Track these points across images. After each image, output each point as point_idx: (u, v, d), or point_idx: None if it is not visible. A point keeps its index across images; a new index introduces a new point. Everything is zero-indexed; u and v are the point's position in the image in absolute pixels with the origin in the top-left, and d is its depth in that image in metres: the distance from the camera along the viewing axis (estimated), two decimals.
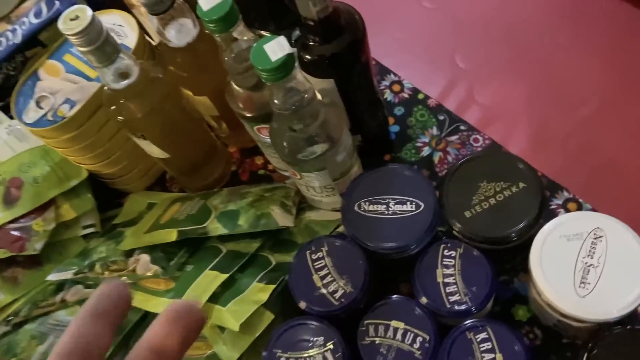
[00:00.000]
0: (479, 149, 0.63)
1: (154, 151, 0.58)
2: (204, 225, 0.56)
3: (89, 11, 0.45)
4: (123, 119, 0.54)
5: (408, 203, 0.51)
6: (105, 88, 0.54)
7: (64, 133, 0.57)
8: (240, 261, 0.54)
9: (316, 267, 0.50)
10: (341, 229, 0.57)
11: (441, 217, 0.51)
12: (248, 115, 0.54)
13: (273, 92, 0.45)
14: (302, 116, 0.46)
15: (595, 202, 0.58)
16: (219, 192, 0.63)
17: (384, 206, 0.52)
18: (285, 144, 0.50)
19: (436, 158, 0.64)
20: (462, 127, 0.65)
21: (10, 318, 0.58)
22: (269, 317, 0.50)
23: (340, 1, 0.49)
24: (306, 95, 0.45)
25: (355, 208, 0.52)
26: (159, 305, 0.53)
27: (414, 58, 0.90)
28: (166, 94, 0.55)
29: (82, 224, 0.65)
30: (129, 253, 0.57)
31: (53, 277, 0.59)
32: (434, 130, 0.65)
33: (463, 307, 0.48)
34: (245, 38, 0.48)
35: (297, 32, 0.51)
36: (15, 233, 0.61)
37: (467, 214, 0.50)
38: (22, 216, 0.62)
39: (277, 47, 0.40)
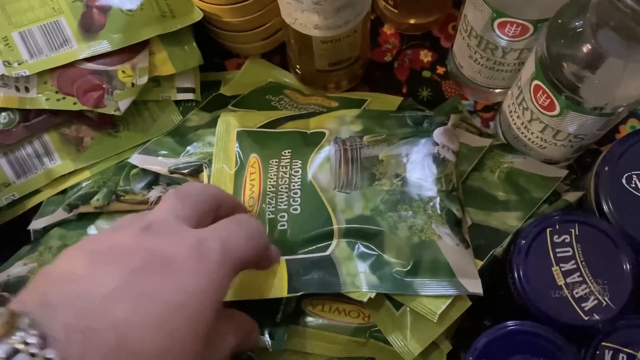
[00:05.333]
0: None
1: None
2: (327, 252, 0.35)
3: None
4: None
5: None
6: None
7: None
8: None
9: (559, 255, 0.34)
10: (570, 196, 0.40)
11: None
12: None
13: None
14: None
15: None
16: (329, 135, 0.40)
17: None
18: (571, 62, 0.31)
19: None
20: None
21: (73, 201, 0.40)
22: (465, 303, 0.35)
23: None
24: None
25: (624, 182, 0.35)
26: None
27: None
28: None
29: (178, 86, 0.46)
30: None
31: (136, 160, 0.41)
32: None
33: None
34: None
35: None
36: (93, 78, 0.42)
37: None
38: (105, 55, 0.42)
39: None
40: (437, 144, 0.39)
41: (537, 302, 0.33)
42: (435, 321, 0.33)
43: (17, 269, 0.39)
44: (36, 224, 0.41)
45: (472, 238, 0.37)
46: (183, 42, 0.45)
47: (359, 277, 0.34)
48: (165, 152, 0.42)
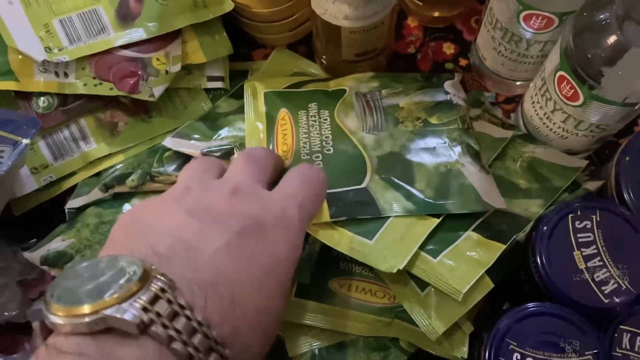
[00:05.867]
0: None
1: None
2: (362, 185, 0.38)
3: None
4: None
5: None
6: None
7: None
8: None
9: (580, 240, 0.35)
10: (590, 185, 0.41)
11: None
12: None
13: None
14: None
15: None
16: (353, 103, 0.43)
17: None
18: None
19: None
20: None
21: (108, 182, 0.42)
22: (487, 286, 0.36)
23: None
24: None
25: None
26: None
27: None
28: None
29: (208, 74, 0.48)
30: None
31: (170, 143, 0.42)
32: None
33: None
34: None
35: None
36: (129, 65, 0.43)
37: None
38: (140, 43, 0.43)
39: None
40: (449, 93, 0.43)
41: (559, 284, 0.35)
42: (459, 300, 0.34)
43: (56, 244, 0.40)
44: (72, 204, 0.43)
45: (495, 224, 0.38)
46: (214, 31, 0.47)
47: (395, 204, 0.37)
48: (198, 136, 0.43)
